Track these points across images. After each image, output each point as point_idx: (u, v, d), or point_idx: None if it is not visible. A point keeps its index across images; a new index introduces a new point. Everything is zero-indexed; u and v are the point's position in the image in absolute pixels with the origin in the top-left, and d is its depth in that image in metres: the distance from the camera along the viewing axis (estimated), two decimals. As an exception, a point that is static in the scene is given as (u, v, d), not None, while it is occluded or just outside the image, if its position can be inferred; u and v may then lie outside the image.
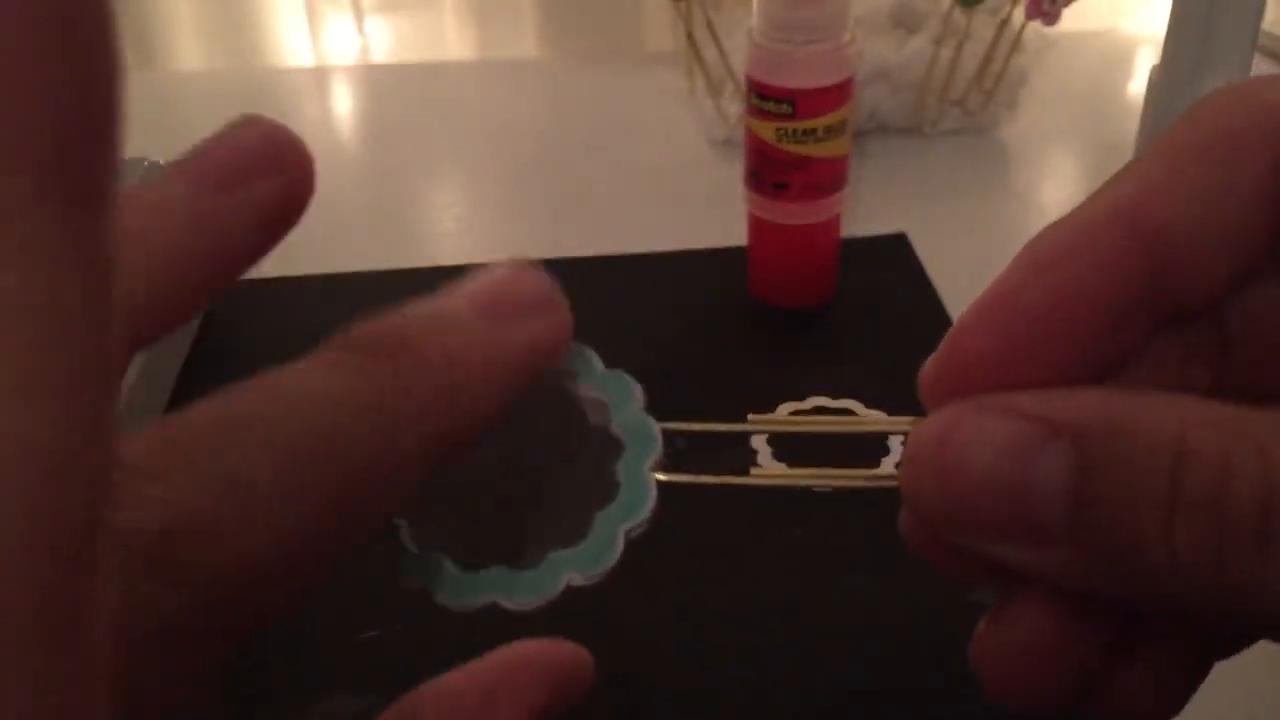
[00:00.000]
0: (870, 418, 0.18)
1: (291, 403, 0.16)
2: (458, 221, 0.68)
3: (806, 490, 0.46)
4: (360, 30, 1.05)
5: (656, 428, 0.20)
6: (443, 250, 0.64)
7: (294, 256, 0.64)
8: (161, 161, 0.55)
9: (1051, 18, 0.65)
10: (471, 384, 0.17)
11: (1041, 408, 0.16)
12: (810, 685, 0.39)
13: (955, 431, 0.16)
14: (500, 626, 0.23)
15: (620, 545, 0.19)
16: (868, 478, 0.20)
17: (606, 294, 0.59)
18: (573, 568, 0.19)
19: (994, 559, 0.16)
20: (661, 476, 0.20)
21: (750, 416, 0.22)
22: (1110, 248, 0.17)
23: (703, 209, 0.67)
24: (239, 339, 0.56)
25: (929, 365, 0.18)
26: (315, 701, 0.38)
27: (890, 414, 0.23)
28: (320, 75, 0.93)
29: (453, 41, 1.02)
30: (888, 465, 0.47)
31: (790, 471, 0.21)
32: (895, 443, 0.47)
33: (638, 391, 0.20)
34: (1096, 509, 0.15)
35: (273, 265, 0.69)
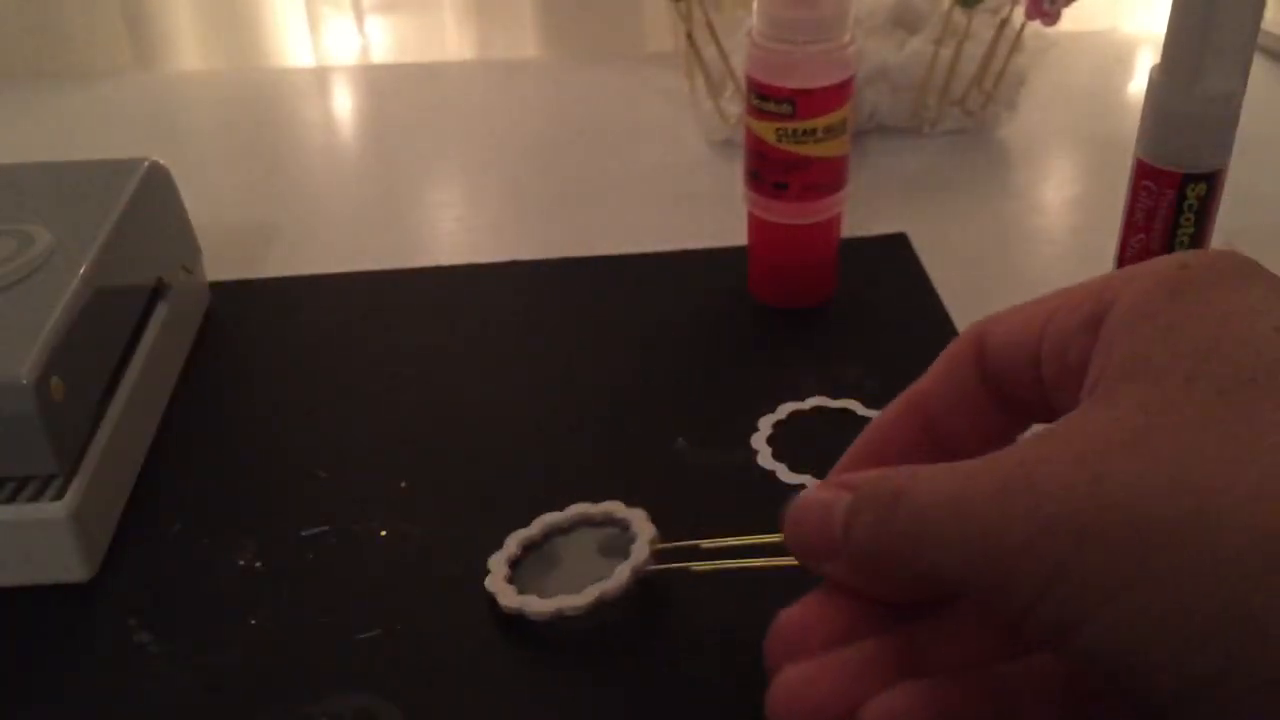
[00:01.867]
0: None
1: None
2: (458, 221, 0.68)
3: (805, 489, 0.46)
4: (360, 30, 1.05)
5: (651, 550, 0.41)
6: (443, 250, 0.64)
7: (294, 256, 0.64)
8: (161, 162, 0.55)
9: (1051, 18, 0.65)
10: None
11: (847, 479, 0.28)
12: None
13: (803, 500, 0.29)
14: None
15: (629, 580, 0.40)
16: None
17: (606, 294, 0.59)
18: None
19: (814, 570, 0.29)
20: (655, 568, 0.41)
21: (703, 544, 0.40)
22: (902, 422, 0.31)
23: (703, 209, 0.67)
24: (239, 339, 0.56)
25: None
26: (315, 701, 0.38)
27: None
28: (320, 75, 0.93)
29: (453, 41, 1.02)
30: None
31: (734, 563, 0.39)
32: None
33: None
34: (849, 527, 0.27)
35: (273, 265, 0.69)
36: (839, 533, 0.27)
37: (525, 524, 0.43)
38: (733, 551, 0.40)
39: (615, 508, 0.43)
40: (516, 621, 0.41)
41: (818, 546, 0.28)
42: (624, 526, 0.43)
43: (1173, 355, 0.24)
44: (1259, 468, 0.21)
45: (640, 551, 0.41)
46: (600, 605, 0.40)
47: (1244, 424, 0.22)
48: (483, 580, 0.41)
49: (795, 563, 0.35)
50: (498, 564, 0.42)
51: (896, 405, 0.31)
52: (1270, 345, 0.23)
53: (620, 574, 0.40)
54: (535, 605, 0.40)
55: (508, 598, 0.41)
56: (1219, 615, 0.21)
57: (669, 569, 0.40)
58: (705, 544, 0.40)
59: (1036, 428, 0.30)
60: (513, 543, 0.43)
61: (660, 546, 0.41)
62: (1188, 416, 0.23)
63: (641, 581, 0.40)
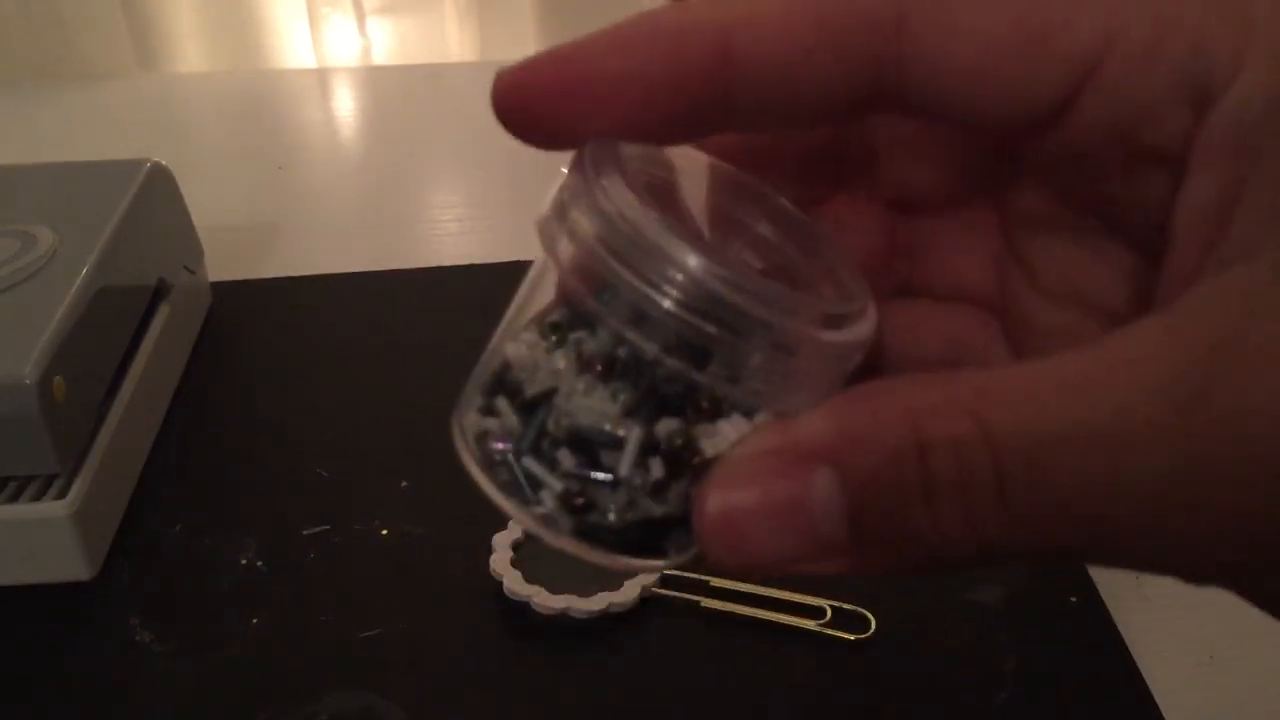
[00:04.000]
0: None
1: None
2: (458, 222, 0.68)
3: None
4: (362, 32, 1.06)
5: None
6: (443, 250, 0.64)
7: (294, 256, 0.64)
8: (164, 163, 0.55)
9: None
10: None
11: (790, 450, 0.17)
12: (809, 686, 0.39)
13: (730, 514, 0.17)
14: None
15: (637, 598, 0.38)
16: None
17: (607, 295, 0.59)
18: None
19: (785, 575, 0.18)
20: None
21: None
22: (703, 56, 0.18)
23: (703, 210, 0.67)
24: (239, 339, 0.57)
25: (528, 67, 0.20)
26: (315, 701, 0.38)
27: None
28: (322, 77, 0.94)
29: (454, 43, 1.02)
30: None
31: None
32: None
33: None
34: (871, 520, 0.17)
35: (274, 265, 0.69)
36: (836, 532, 0.17)
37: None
38: (741, 597, 0.41)
39: None
40: (519, 617, 0.41)
41: (795, 554, 0.17)
42: None
43: None
44: None
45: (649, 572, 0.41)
46: (607, 614, 0.40)
47: None
48: (485, 569, 0.42)
49: (808, 625, 0.35)
50: (502, 544, 0.42)
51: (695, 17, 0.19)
52: None
53: (629, 590, 0.41)
54: (543, 599, 0.40)
55: (516, 584, 0.41)
56: None
57: (677, 597, 0.41)
58: (714, 581, 0.41)
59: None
60: (517, 527, 0.43)
61: (668, 573, 0.42)
62: None
63: (648, 600, 0.41)
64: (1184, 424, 0.15)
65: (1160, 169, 0.18)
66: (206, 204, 0.60)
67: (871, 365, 0.20)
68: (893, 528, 0.17)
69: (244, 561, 0.44)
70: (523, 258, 0.63)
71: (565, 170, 0.20)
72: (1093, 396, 0.15)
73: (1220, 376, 0.15)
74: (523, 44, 0.98)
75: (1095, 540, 0.16)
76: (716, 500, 0.17)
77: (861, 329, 0.19)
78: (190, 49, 0.98)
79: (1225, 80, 0.17)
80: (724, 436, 0.18)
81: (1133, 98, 0.18)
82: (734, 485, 0.17)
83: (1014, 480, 0.16)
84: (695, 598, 0.41)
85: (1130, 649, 0.39)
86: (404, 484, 0.47)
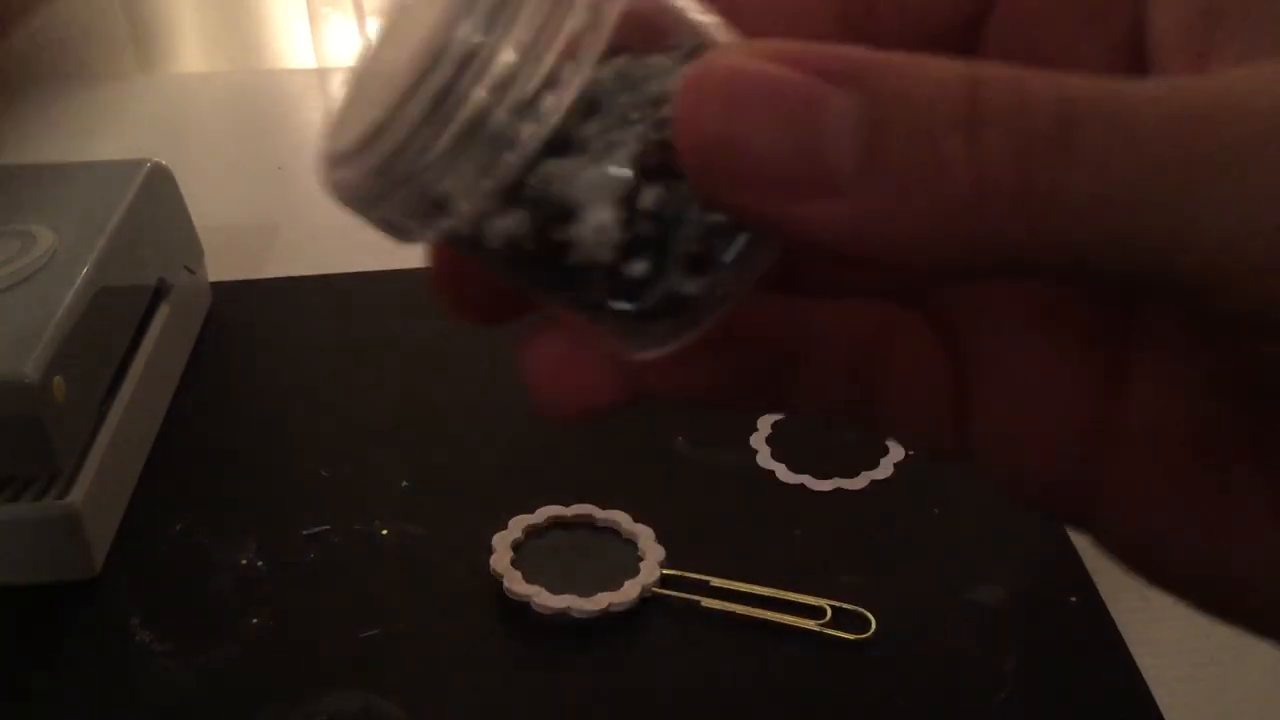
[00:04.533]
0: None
1: None
2: (459, 222, 0.68)
3: (804, 489, 0.46)
4: (362, 31, 1.06)
5: None
6: (444, 251, 0.64)
7: (294, 256, 0.64)
8: (164, 163, 0.55)
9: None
10: None
11: (815, 58, 0.14)
12: (810, 686, 0.39)
13: (743, 71, 0.14)
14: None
15: (637, 597, 0.39)
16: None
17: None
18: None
19: (772, 219, 0.15)
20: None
21: None
22: None
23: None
24: (239, 339, 0.57)
25: None
26: (316, 700, 0.38)
27: None
28: (322, 77, 0.94)
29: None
30: (887, 464, 0.47)
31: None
32: (893, 443, 0.47)
33: None
34: (890, 143, 0.14)
35: (274, 265, 0.69)
36: (842, 148, 0.14)
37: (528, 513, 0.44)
38: (741, 597, 0.41)
39: (622, 519, 0.43)
40: (519, 617, 0.41)
41: (784, 158, 0.14)
42: (630, 540, 0.43)
43: None
44: None
45: (650, 572, 0.41)
46: (607, 614, 0.40)
47: None
48: (485, 569, 0.42)
49: (809, 625, 0.35)
50: (502, 544, 0.43)
51: None
52: None
53: (629, 590, 0.41)
54: (543, 599, 0.40)
55: (516, 584, 0.41)
56: None
57: (678, 596, 0.41)
58: (715, 581, 0.41)
59: None
60: (517, 526, 0.43)
61: (668, 573, 0.42)
62: None
63: (648, 600, 0.41)
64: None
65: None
66: (206, 204, 0.60)
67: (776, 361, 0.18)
68: (915, 152, 0.13)
69: (244, 561, 0.44)
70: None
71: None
72: (1190, 85, 0.14)
73: None
74: (523, 44, 0.98)
75: (1166, 224, 0.13)
76: (736, 55, 0.14)
77: None
78: (190, 49, 0.98)
79: None
80: None
81: None
82: (746, 53, 0.14)
83: (1085, 125, 0.13)
84: (695, 598, 0.41)
85: (1130, 649, 0.39)
86: (404, 484, 0.47)
